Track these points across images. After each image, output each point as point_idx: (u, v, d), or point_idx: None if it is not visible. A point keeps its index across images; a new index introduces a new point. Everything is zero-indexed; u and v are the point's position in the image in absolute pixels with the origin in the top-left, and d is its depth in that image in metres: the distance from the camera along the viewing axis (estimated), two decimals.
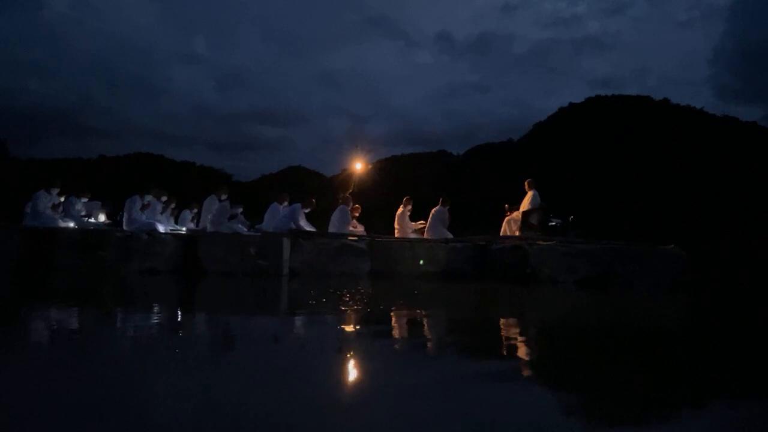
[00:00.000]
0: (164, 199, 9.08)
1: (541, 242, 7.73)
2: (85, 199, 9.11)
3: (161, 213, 8.87)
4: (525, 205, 9.18)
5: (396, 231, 9.84)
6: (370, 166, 11.73)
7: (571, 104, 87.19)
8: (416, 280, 7.58)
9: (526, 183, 9.43)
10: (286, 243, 7.59)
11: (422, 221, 10.11)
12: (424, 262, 7.90)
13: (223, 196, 8.46)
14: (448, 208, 9.10)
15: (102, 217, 9.49)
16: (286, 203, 8.87)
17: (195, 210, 10.19)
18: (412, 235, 9.50)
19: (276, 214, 8.65)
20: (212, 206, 8.38)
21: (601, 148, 72.76)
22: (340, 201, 9.06)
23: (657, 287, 7.22)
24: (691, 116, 74.42)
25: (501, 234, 9.49)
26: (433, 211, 9.13)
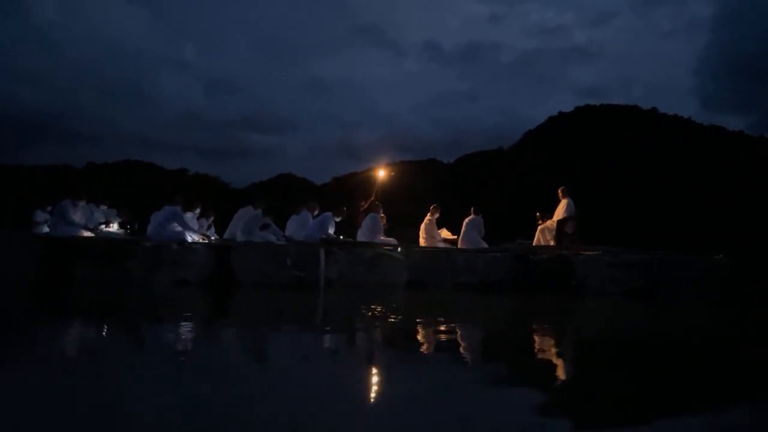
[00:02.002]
0: (197, 211, 8.72)
1: (585, 252, 7.49)
2: (104, 207, 8.70)
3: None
4: (560, 213, 8.94)
5: (422, 240, 9.56)
6: (392, 173, 11.43)
7: (560, 113, 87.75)
8: (455, 292, 7.31)
9: (560, 191, 9.20)
10: (323, 253, 7.28)
11: (444, 229, 9.86)
12: (462, 272, 7.62)
13: (258, 207, 8.09)
14: (481, 216, 8.84)
15: (115, 226, 9.08)
16: (316, 212, 8.53)
17: (212, 218, 9.80)
18: (440, 245, 9.24)
19: (305, 224, 8.33)
20: (246, 216, 8.01)
21: (591, 156, 73.28)
22: (370, 208, 8.76)
23: (706, 299, 7.03)
24: (679, 125, 75.27)
25: (534, 243, 9.24)
26: (466, 220, 8.89)
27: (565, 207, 8.90)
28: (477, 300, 6.71)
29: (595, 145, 73.51)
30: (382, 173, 10.55)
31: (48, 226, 10.26)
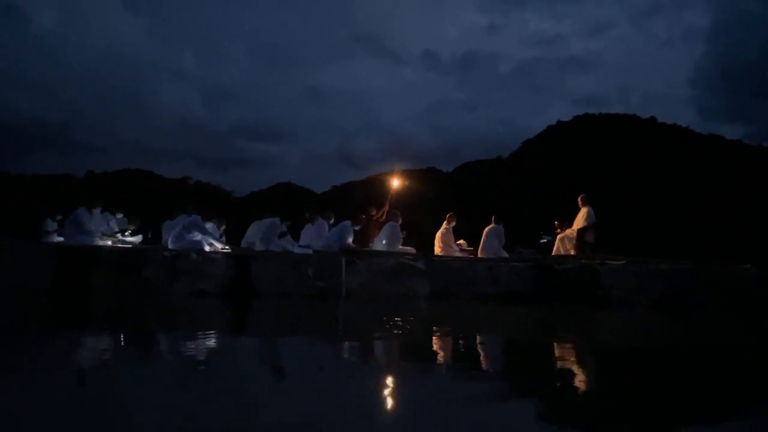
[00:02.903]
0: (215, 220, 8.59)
1: (611, 261, 7.36)
2: (120, 215, 8.54)
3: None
4: (579, 222, 8.81)
5: (438, 249, 9.42)
6: (407, 182, 11.29)
7: (559, 122, 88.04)
8: (478, 303, 7.17)
9: (579, 199, 9.07)
10: (344, 263, 7.13)
11: (462, 240, 9.72)
12: (485, 283, 7.48)
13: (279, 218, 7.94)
14: (502, 225, 8.69)
15: (131, 234, 8.92)
16: (332, 221, 8.39)
17: (223, 227, 9.64)
18: (457, 254, 9.09)
19: (321, 233, 8.18)
20: (265, 224, 7.85)
21: (590, 165, 73.41)
22: (389, 217, 8.61)
23: (734, 309, 6.90)
24: (677, 134, 75.52)
25: (554, 253, 9.10)
26: (487, 228, 8.74)
27: (585, 215, 8.77)
28: (502, 311, 6.56)
29: (595, 154, 73.68)
30: (396, 182, 10.39)
31: (58, 235, 10.11)
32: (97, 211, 7.75)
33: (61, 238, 9.79)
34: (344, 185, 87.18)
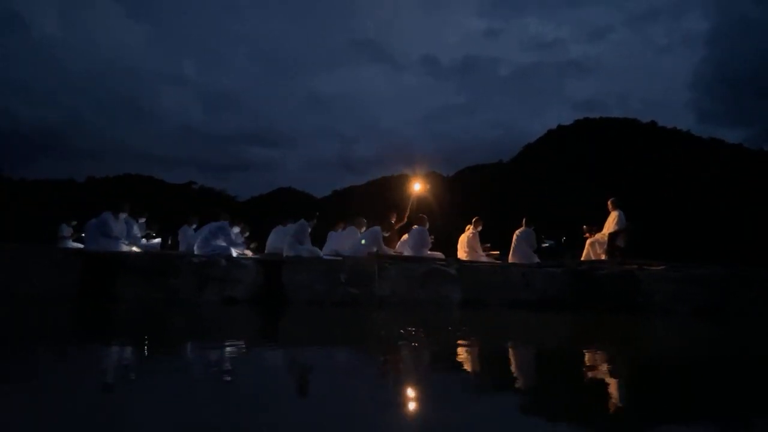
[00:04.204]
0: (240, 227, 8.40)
1: (649, 266, 7.17)
2: (143, 220, 8.32)
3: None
4: (610, 226, 8.60)
5: (463, 254, 9.18)
6: (428, 186, 11.09)
7: (559, 126, 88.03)
8: (512, 310, 6.96)
9: (609, 202, 8.85)
10: (377, 269, 6.93)
11: (488, 244, 9.50)
12: (519, 289, 7.28)
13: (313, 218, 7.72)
14: (533, 228, 8.47)
15: (155, 239, 8.72)
16: (363, 228, 8.17)
17: (247, 233, 9.41)
18: (483, 260, 8.87)
19: (351, 239, 7.98)
20: (293, 227, 7.63)
21: (591, 169, 73.43)
22: (416, 221, 8.40)
23: None
24: (678, 138, 75.55)
25: (583, 258, 8.89)
26: (517, 232, 8.51)
27: (615, 219, 8.56)
28: (540, 320, 6.32)
29: (596, 158, 73.65)
30: (417, 185, 10.19)
31: (74, 240, 9.91)
32: (123, 216, 7.53)
33: (76, 244, 9.59)
34: (345, 190, 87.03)
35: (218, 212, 7.59)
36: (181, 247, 9.47)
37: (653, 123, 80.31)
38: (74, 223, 10.30)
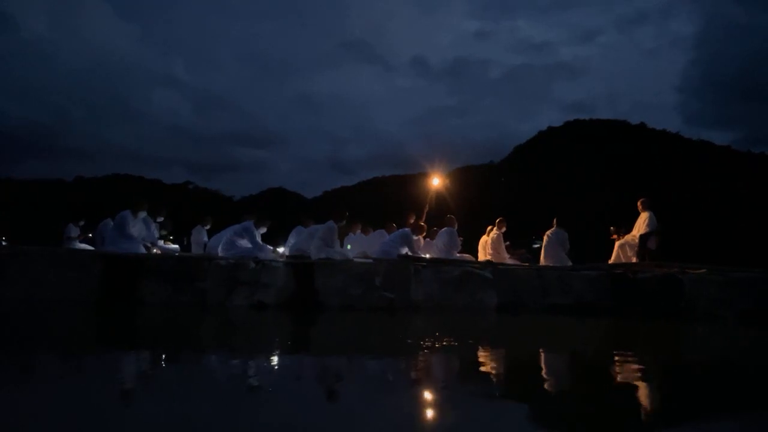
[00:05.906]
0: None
1: (690, 270, 6.95)
2: (161, 219, 7.94)
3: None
4: (641, 227, 8.37)
5: (486, 257, 8.93)
6: (447, 182, 10.81)
7: (549, 128, 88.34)
8: (550, 315, 6.70)
9: (639, 203, 8.61)
10: (412, 272, 6.65)
11: (508, 243, 9.25)
12: (555, 293, 7.03)
13: (341, 219, 7.41)
14: (564, 229, 8.21)
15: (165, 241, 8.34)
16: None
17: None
18: (509, 262, 8.62)
19: (379, 241, 7.69)
20: (320, 228, 7.31)
21: (582, 170, 73.81)
22: (445, 222, 8.13)
23: None
24: (667, 140, 76.17)
25: (612, 260, 8.66)
26: (548, 233, 8.24)
27: (646, 221, 8.33)
28: (582, 325, 6.06)
29: (585, 159, 73.95)
30: (436, 181, 9.87)
31: (81, 241, 9.49)
32: (142, 215, 7.16)
33: (84, 245, 9.17)
34: (336, 190, 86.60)
35: (250, 211, 7.27)
36: (194, 248, 9.12)
37: (642, 125, 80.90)
38: (82, 223, 9.89)
